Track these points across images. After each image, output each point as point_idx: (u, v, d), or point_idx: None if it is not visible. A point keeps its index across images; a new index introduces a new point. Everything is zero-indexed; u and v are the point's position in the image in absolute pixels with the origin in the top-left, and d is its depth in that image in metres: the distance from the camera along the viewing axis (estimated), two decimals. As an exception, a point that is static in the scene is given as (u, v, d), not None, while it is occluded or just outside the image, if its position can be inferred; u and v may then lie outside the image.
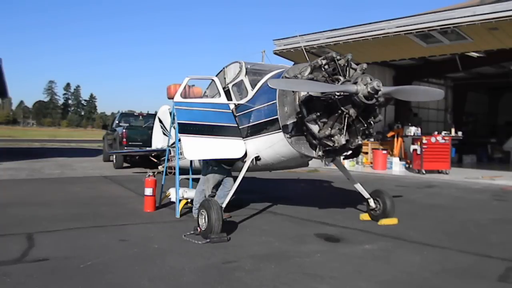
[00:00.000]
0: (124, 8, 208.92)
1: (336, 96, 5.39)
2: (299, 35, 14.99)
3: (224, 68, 7.48)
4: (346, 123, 5.46)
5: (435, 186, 11.81)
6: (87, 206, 7.80)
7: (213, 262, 4.59)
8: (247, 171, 6.41)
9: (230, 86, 7.13)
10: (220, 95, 7.03)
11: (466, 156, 19.33)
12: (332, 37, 15.47)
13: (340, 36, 15.25)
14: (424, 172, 14.30)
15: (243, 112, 6.71)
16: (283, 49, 16.92)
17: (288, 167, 7.57)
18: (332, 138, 5.49)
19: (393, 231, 6.14)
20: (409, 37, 13.97)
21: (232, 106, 6.95)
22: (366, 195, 6.94)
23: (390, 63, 18.27)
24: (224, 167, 6.81)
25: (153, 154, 13.44)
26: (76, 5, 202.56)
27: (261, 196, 9.17)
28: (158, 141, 12.23)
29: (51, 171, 14.18)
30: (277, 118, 5.88)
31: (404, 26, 13.72)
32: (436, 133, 15.56)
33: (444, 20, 12.88)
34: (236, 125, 6.74)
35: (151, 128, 13.29)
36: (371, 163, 16.79)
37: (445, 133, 15.55)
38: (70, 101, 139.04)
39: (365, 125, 5.68)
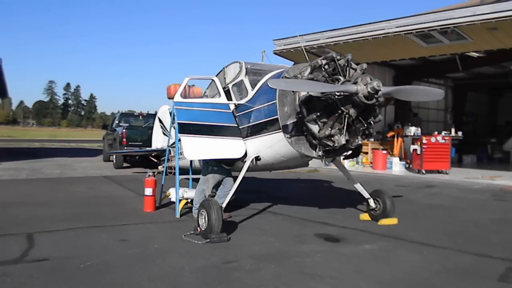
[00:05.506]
0: (124, 8, 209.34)
1: (336, 96, 5.40)
2: (299, 35, 15.01)
3: (224, 68, 7.48)
4: (346, 123, 5.46)
5: (435, 186, 11.80)
6: (87, 206, 7.80)
7: (213, 262, 4.59)
8: (247, 171, 6.41)
9: (230, 86, 7.13)
10: (220, 95, 7.04)
11: (466, 156, 19.33)
12: (332, 37, 15.48)
13: (340, 36, 15.26)
14: (424, 172, 14.29)
15: (243, 112, 6.71)
16: (283, 49, 16.92)
17: (288, 167, 7.57)
18: (332, 138, 5.49)
19: (393, 231, 6.14)
20: (409, 37, 13.97)
21: (232, 106, 6.95)
22: (366, 195, 6.94)
23: (390, 63, 18.25)
24: (224, 167, 6.81)
25: (153, 154, 13.45)
26: (76, 5, 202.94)
27: (261, 196, 9.17)
28: (158, 141, 12.23)
29: (51, 171, 14.19)
30: (277, 118, 5.88)
31: (404, 26, 13.72)
32: (436, 133, 15.55)
33: (444, 20, 12.88)
34: (236, 125, 6.74)
35: (151, 128, 13.29)
36: (371, 163, 16.78)
37: (445, 133, 15.55)
38: (70, 101, 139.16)
39: (365, 125, 5.68)
